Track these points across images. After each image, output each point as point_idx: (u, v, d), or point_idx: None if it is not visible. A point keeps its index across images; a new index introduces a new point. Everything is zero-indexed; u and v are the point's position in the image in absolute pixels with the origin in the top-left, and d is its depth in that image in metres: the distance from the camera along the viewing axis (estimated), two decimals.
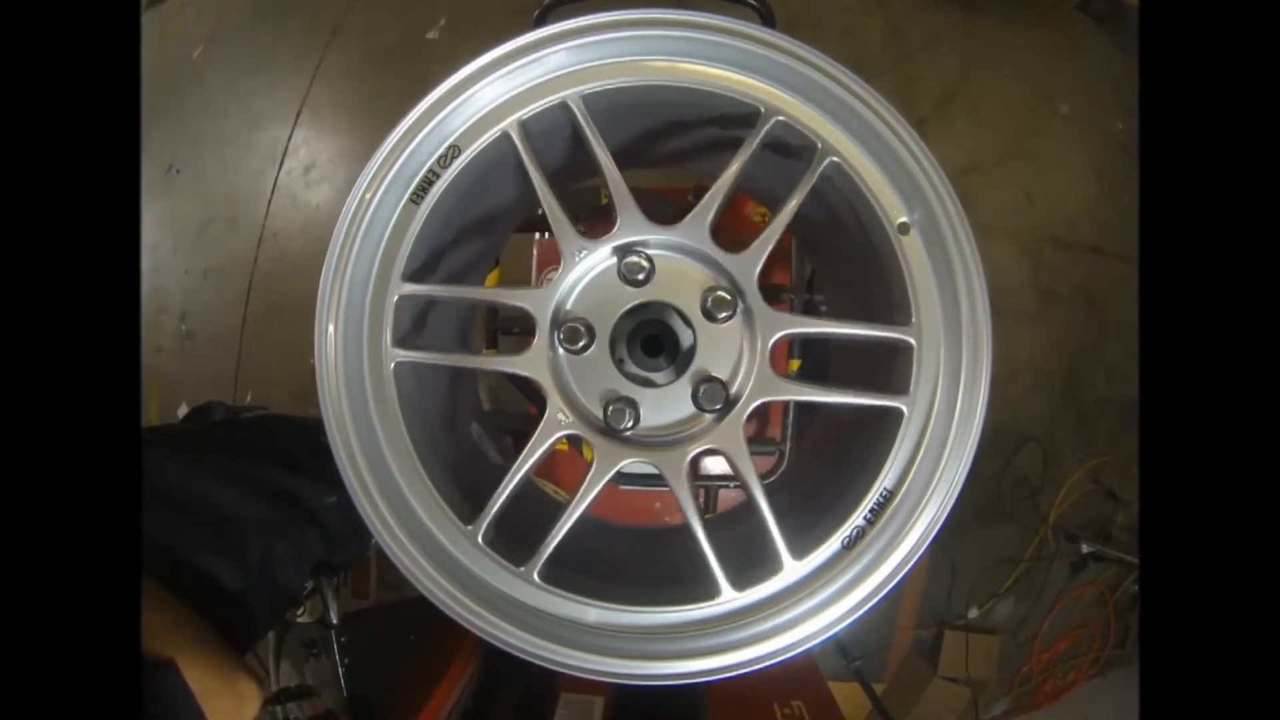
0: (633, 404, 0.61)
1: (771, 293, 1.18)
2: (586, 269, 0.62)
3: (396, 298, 0.59)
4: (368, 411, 0.59)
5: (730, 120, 0.62)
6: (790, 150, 0.61)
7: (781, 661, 0.57)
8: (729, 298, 0.60)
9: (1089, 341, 2.38)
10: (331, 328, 0.58)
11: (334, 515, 0.92)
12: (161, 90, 2.69)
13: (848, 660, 1.27)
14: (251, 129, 2.70)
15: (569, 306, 0.62)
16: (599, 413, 0.61)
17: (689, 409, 0.62)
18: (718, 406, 0.60)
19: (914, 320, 0.57)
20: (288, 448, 0.95)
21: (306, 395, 0.58)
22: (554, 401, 0.61)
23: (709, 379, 0.61)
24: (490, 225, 0.79)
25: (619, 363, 0.63)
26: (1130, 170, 2.35)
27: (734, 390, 0.61)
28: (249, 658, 0.76)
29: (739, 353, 0.62)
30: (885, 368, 0.62)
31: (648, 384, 0.63)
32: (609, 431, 0.61)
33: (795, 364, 1.22)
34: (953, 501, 0.57)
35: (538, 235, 1.35)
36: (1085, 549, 2.28)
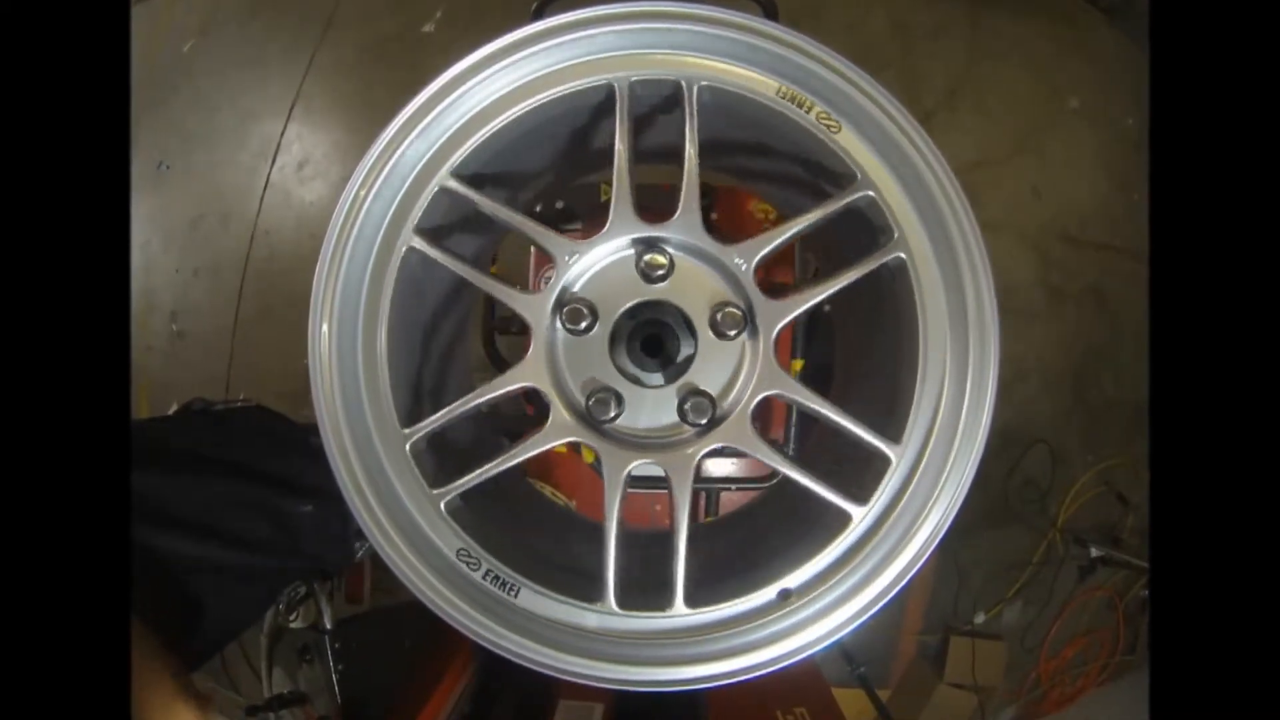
0: (618, 398, 0.61)
1: (775, 292, 1.18)
2: (597, 259, 0.62)
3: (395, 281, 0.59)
4: (363, 411, 0.59)
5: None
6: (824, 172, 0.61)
7: (784, 668, 0.57)
8: (739, 315, 0.60)
9: (1098, 341, 2.38)
10: (325, 327, 0.58)
11: (308, 525, 0.92)
12: (152, 85, 2.69)
13: (852, 666, 1.27)
14: (243, 124, 2.70)
15: (577, 289, 0.62)
16: (581, 399, 0.61)
17: (672, 418, 0.62)
18: (703, 422, 0.60)
19: (920, 322, 0.57)
20: (262, 455, 0.94)
21: (300, 396, 0.58)
22: (557, 408, 0.61)
23: (698, 392, 0.61)
24: (488, 223, 0.78)
25: (614, 354, 0.63)
26: (1140, 166, 2.35)
27: (720, 409, 0.61)
28: (235, 673, 0.75)
29: (736, 367, 0.62)
30: (889, 385, 0.62)
31: (636, 382, 0.63)
32: (595, 425, 0.61)
33: (798, 364, 1.22)
34: (958, 505, 0.57)
35: None
36: (1094, 553, 2.28)
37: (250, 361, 2.58)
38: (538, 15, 0.59)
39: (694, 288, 0.62)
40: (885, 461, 0.57)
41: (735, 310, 0.60)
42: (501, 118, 0.59)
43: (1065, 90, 2.42)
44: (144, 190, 2.67)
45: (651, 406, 0.63)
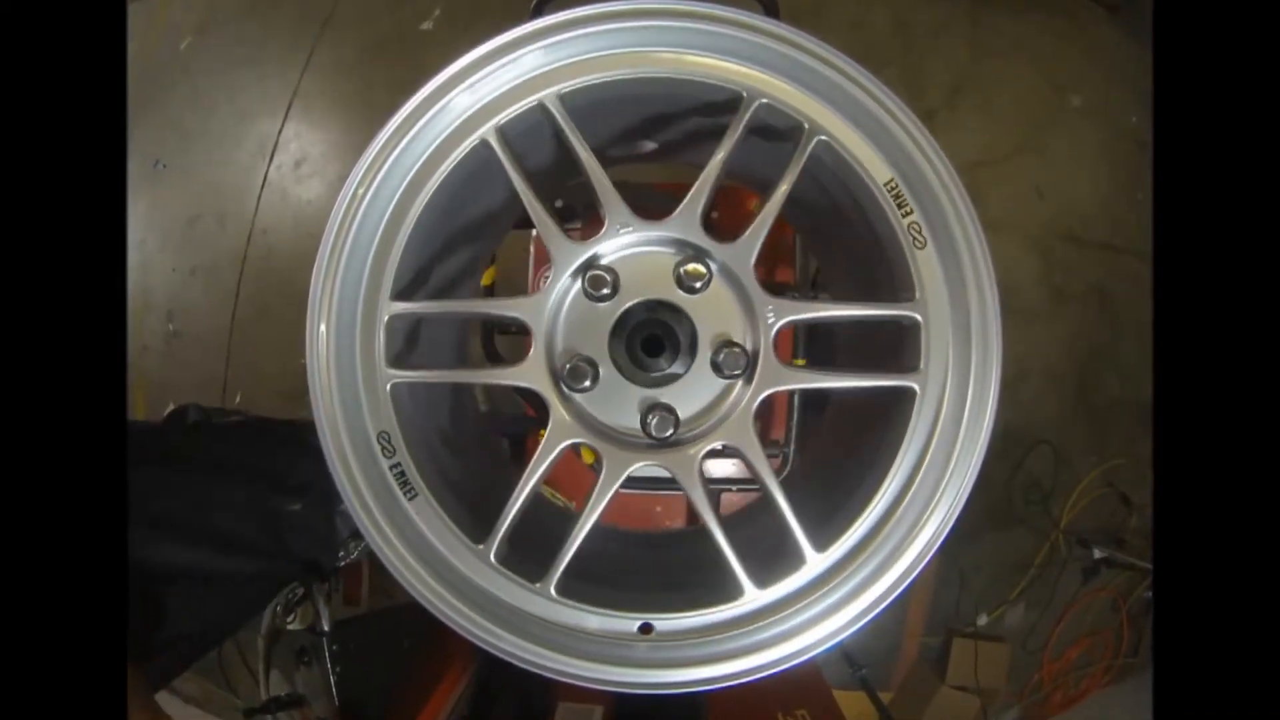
0: (596, 374, 0.61)
1: (776, 291, 1.18)
2: (631, 243, 0.62)
3: (388, 317, 0.59)
4: (360, 412, 0.59)
5: (717, 109, 0.62)
6: (780, 134, 0.61)
7: (785, 670, 0.57)
8: (701, 268, 0.60)
9: (1102, 341, 2.38)
10: (324, 327, 0.58)
11: (296, 524, 0.91)
12: (148, 83, 2.69)
13: (854, 668, 1.27)
14: (241, 123, 2.70)
15: (560, 347, 0.62)
16: (638, 427, 0.61)
17: (718, 384, 0.62)
18: (741, 368, 0.60)
19: (919, 295, 0.58)
20: (248, 454, 0.94)
21: (298, 396, 0.58)
22: (556, 410, 0.61)
23: (725, 344, 0.61)
24: (483, 228, 0.78)
25: (633, 377, 0.63)
26: (1144, 164, 2.35)
27: (750, 347, 0.61)
28: (232, 676, 0.75)
29: (739, 316, 0.62)
30: (892, 359, 0.62)
31: (671, 380, 0.63)
32: (560, 383, 0.61)
33: (800, 364, 1.22)
34: (961, 507, 0.57)
35: (535, 231, 1.35)
36: (1097, 554, 2.28)
37: (247, 361, 2.58)
38: (537, 13, 0.59)
39: (715, 313, 0.62)
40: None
41: (694, 265, 0.60)
42: (500, 116, 0.59)
43: (1068, 88, 2.42)
44: (140, 189, 2.67)
45: (620, 401, 0.63)
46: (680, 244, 0.61)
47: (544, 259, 1.35)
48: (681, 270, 0.61)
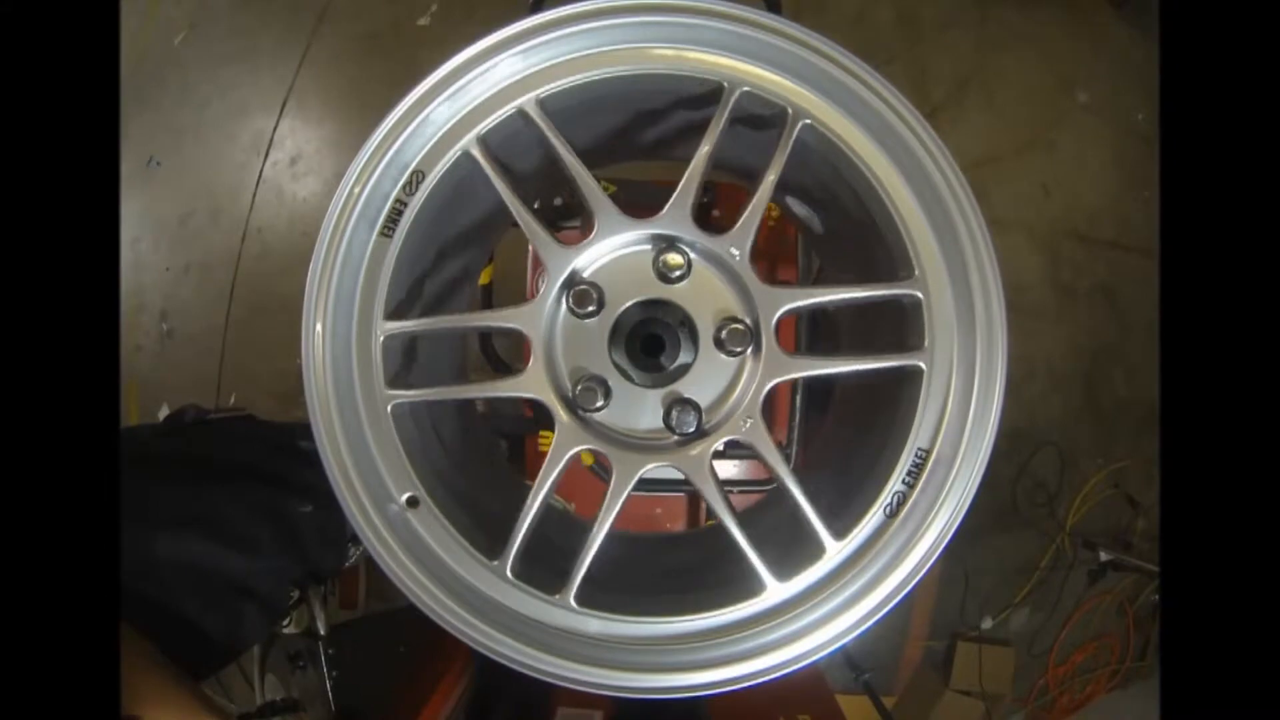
0: (606, 389, 0.61)
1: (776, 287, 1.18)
2: (614, 247, 0.62)
3: (383, 338, 0.59)
4: (357, 413, 0.59)
5: (701, 101, 0.63)
6: (767, 122, 0.61)
7: (787, 674, 0.57)
8: (678, 257, 0.60)
9: (1108, 340, 2.38)
10: (319, 326, 0.58)
11: (309, 525, 0.92)
12: (141, 78, 2.69)
13: (856, 673, 1.27)
14: (235, 119, 2.70)
15: (587, 274, 0.62)
16: (661, 427, 0.62)
17: (656, 423, 0.62)
18: (689, 431, 0.60)
19: (918, 272, 0.58)
20: (256, 455, 0.95)
21: (292, 396, 0.58)
22: (535, 366, 0.61)
23: (687, 402, 0.61)
24: (479, 231, 0.78)
25: (613, 345, 0.63)
26: (1152, 162, 2.35)
27: (750, 321, 0.61)
28: (227, 680, 0.75)
29: (730, 294, 0.62)
30: (896, 352, 0.62)
31: (628, 378, 0.63)
32: (575, 409, 0.61)
33: None
34: (965, 509, 0.57)
35: None
36: (1104, 557, 2.28)
37: (242, 361, 2.58)
38: (536, 8, 0.59)
39: (707, 296, 0.62)
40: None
41: (740, 328, 0.60)
42: (498, 113, 0.59)
43: (1075, 84, 2.42)
44: (133, 187, 2.67)
45: (638, 406, 0.63)
46: (657, 239, 0.61)
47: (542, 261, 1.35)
48: (660, 264, 0.61)
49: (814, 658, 0.57)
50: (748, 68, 0.59)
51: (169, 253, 2.68)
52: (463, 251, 0.76)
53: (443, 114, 0.58)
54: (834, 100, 0.58)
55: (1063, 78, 2.43)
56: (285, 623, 0.99)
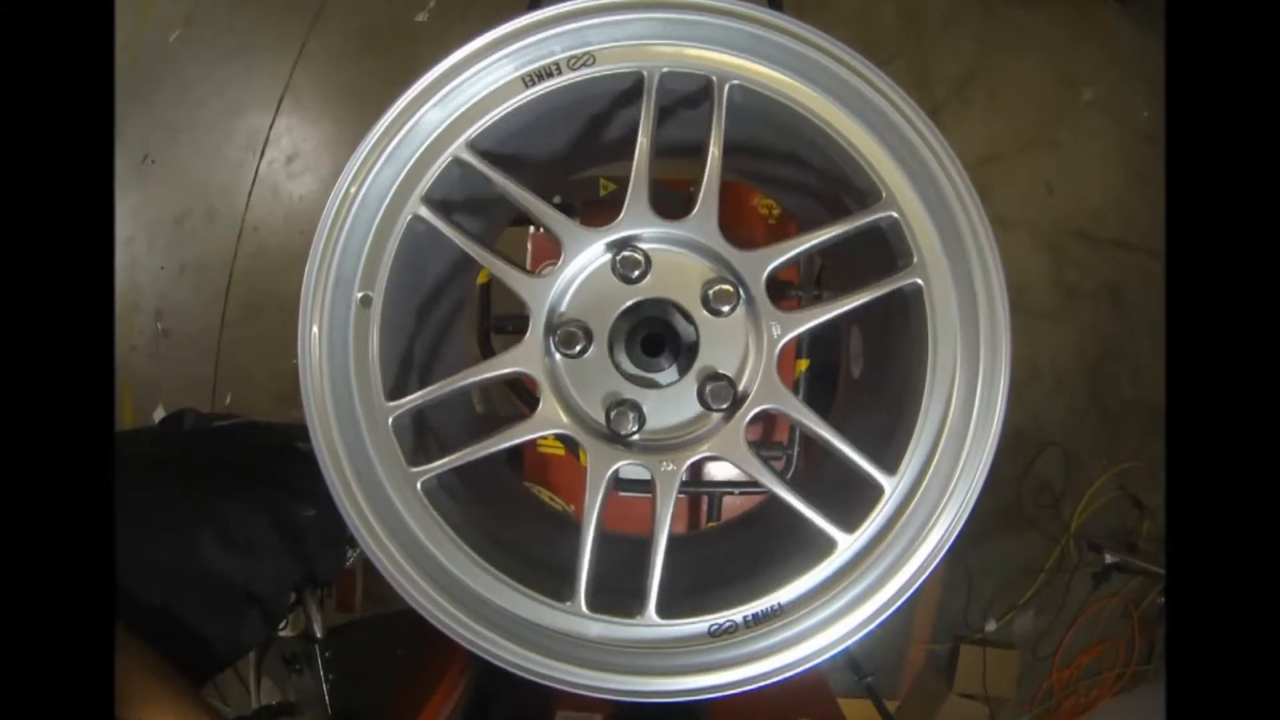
0: (636, 407, 0.61)
1: (778, 289, 1.18)
2: (580, 267, 0.62)
3: (392, 420, 0.59)
4: (354, 415, 0.59)
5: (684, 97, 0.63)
6: (695, 98, 0.60)
7: (788, 678, 0.57)
8: (731, 289, 0.60)
9: (1114, 340, 2.38)
10: (316, 328, 0.58)
11: (312, 529, 0.92)
12: (136, 76, 2.69)
13: (859, 676, 1.27)
14: (231, 117, 2.70)
15: (563, 309, 0.63)
16: (600, 417, 0.61)
17: (695, 409, 0.62)
18: (725, 405, 0.60)
19: (929, 323, 0.58)
20: (260, 459, 0.95)
21: (289, 397, 0.58)
22: (549, 400, 0.61)
23: (715, 376, 0.61)
24: (485, 217, 0.78)
25: (619, 365, 0.63)
26: (1157, 160, 2.34)
27: (741, 387, 0.61)
28: (223, 684, 0.76)
29: (745, 348, 0.62)
30: (898, 361, 0.62)
31: (651, 385, 0.63)
32: (610, 436, 0.61)
33: (804, 364, 1.22)
34: (969, 510, 0.57)
35: (532, 229, 1.35)
36: (1109, 559, 2.28)
37: (237, 361, 2.58)
38: (534, 5, 0.59)
39: (677, 275, 0.62)
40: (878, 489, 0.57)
41: (725, 285, 0.60)
42: (496, 111, 0.59)
43: (1079, 81, 2.42)
44: (128, 185, 2.67)
45: (673, 404, 0.63)
46: (611, 245, 0.61)
47: (541, 256, 1.35)
48: (711, 290, 0.61)
49: (817, 661, 0.57)
50: (737, 61, 0.59)
51: (164, 252, 2.68)
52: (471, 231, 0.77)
53: (473, 89, 0.59)
54: (831, 93, 0.58)
55: (1067, 75, 2.42)
56: (282, 626, 0.99)
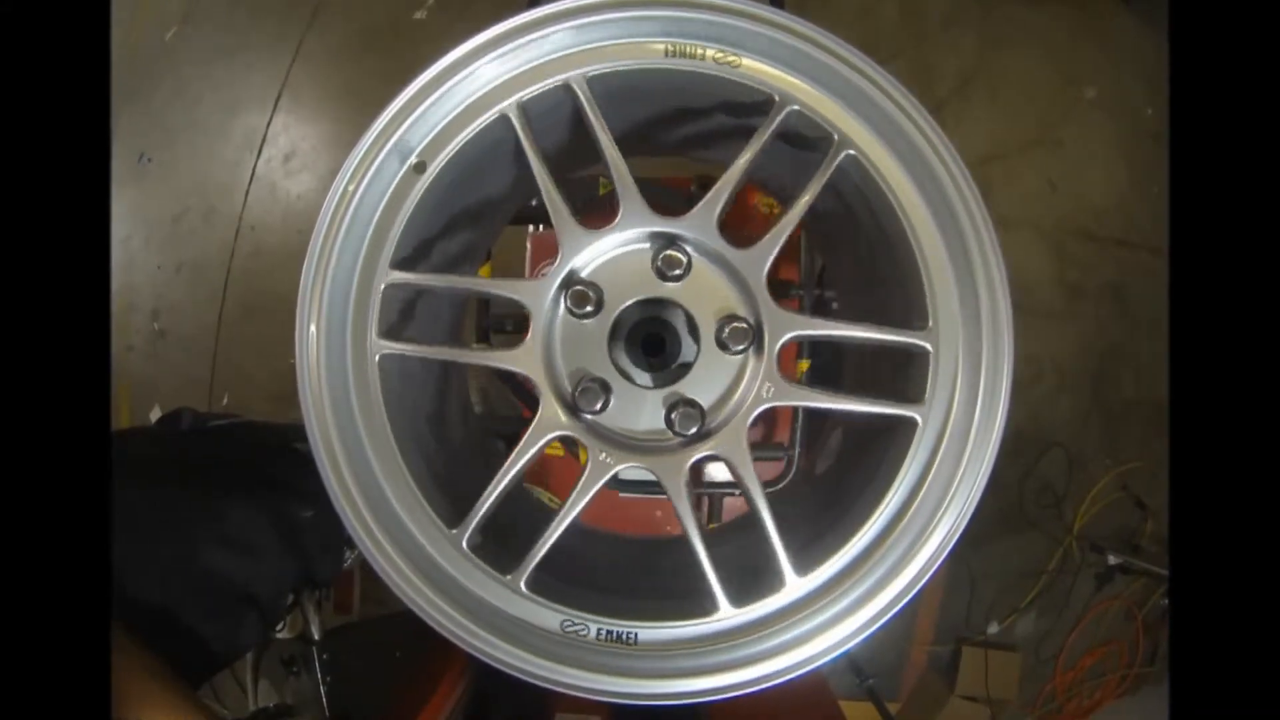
0: (607, 389, 0.61)
1: (779, 288, 1.18)
2: (609, 246, 0.62)
3: (384, 286, 0.59)
4: (352, 415, 0.59)
5: (742, 108, 0.62)
6: (805, 142, 0.61)
7: (789, 681, 0.57)
8: (747, 330, 0.60)
9: (1117, 340, 2.38)
10: (313, 327, 0.58)
11: (311, 530, 0.92)
12: (133, 74, 2.69)
13: (860, 678, 1.27)
14: (228, 115, 2.70)
15: (585, 274, 0.62)
16: (664, 427, 0.61)
17: (658, 424, 0.62)
18: (689, 433, 0.60)
19: (931, 324, 0.58)
20: (258, 460, 0.95)
21: (287, 397, 0.58)
22: (549, 401, 0.61)
23: (689, 403, 0.61)
24: (483, 215, 0.79)
25: (612, 345, 0.63)
26: (1160, 158, 2.35)
27: (710, 423, 0.61)
28: (220, 686, 0.76)
29: (728, 394, 0.62)
30: (901, 369, 0.62)
31: (629, 379, 0.63)
32: (577, 412, 0.61)
33: (804, 364, 1.22)
34: (971, 512, 0.57)
35: (531, 228, 1.35)
36: (1112, 560, 2.28)
37: (234, 361, 2.58)
38: (533, 3, 0.59)
39: (707, 294, 0.62)
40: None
41: (742, 325, 0.60)
42: (495, 109, 0.59)
43: (1082, 79, 2.42)
44: (125, 184, 2.68)
45: (638, 408, 0.63)
46: (655, 236, 0.61)
47: (541, 255, 1.35)
48: (660, 262, 0.61)
49: (818, 663, 0.57)
50: (800, 84, 0.58)
51: (160, 251, 2.68)
52: (470, 228, 0.76)
53: (486, 75, 0.58)
54: (883, 135, 0.58)
55: (1069, 73, 2.42)
56: (279, 627, 0.99)
